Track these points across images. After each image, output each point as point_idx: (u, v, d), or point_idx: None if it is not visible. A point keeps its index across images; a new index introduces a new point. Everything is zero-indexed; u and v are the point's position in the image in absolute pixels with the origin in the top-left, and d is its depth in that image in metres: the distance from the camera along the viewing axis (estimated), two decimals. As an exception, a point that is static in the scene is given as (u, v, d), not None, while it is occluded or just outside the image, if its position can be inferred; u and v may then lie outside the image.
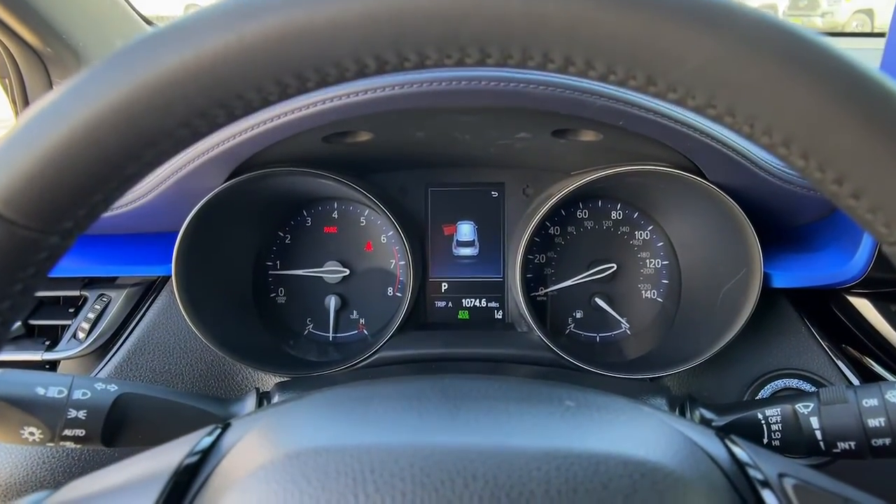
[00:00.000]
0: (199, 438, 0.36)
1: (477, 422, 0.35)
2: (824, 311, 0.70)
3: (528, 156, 0.78)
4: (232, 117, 0.26)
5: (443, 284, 0.84)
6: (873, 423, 0.47)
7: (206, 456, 0.35)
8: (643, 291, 0.82)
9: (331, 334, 0.83)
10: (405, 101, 0.58)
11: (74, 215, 0.27)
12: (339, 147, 0.69)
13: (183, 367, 0.73)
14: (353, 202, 0.83)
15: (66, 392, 0.50)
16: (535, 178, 0.82)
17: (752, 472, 0.33)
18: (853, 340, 0.68)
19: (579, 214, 0.83)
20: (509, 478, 0.30)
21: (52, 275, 0.69)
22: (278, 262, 0.84)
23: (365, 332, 0.84)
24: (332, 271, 0.82)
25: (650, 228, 0.82)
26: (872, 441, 0.47)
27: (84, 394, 0.50)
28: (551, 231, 0.83)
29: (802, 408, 0.51)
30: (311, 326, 0.84)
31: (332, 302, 0.82)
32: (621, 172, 0.68)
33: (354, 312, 0.84)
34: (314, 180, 0.73)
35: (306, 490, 0.30)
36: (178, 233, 0.67)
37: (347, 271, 0.82)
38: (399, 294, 0.84)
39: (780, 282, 0.65)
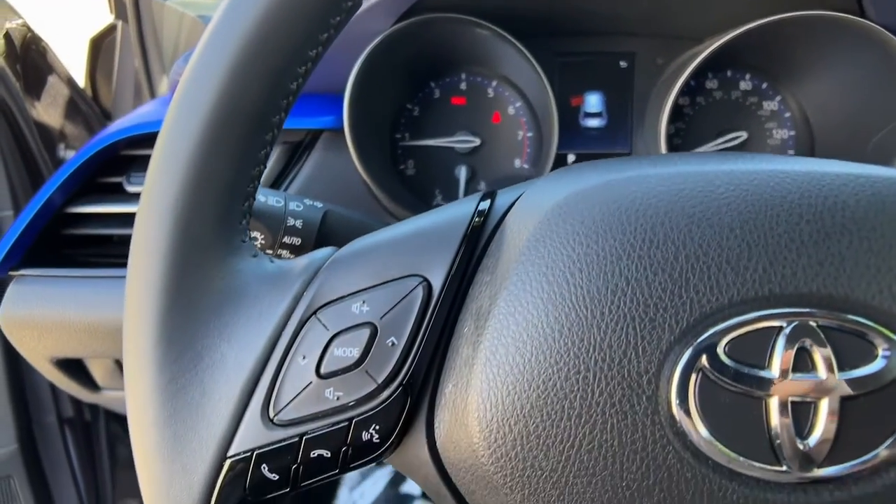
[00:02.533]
0: (475, 201, 0.38)
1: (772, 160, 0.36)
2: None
3: (661, 22, 0.78)
4: None
5: (569, 157, 0.86)
6: None
7: (487, 216, 0.37)
8: (770, 161, 0.83)
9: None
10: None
11: None
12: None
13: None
14: (480, 74, 0.84)
15: (283, 202, 0.52)
16: (668, 47, 0.82)
17: None
18: None
19: (708, 85, 0.83)
20: (821, 191, 0.32)
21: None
22: (407, 133, 0.85)
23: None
24: (463, 140, 0.83)
25: (779, 99, 0.82)
26: None
27: (298, 206, 0.53)
28: (680, 101, 0.84)
29: None
30: (440, 197, 0.86)
31: (462, 172, 0.84)
32: (772, 22, 0.68)
33: (482, 184, 0.86)
34: (473, 37, 0.73)
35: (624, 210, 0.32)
36: (336, 93, 0.68)
37: (478, 140, 0.84)
38: (527, 166, 0.85)
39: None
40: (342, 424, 0.33)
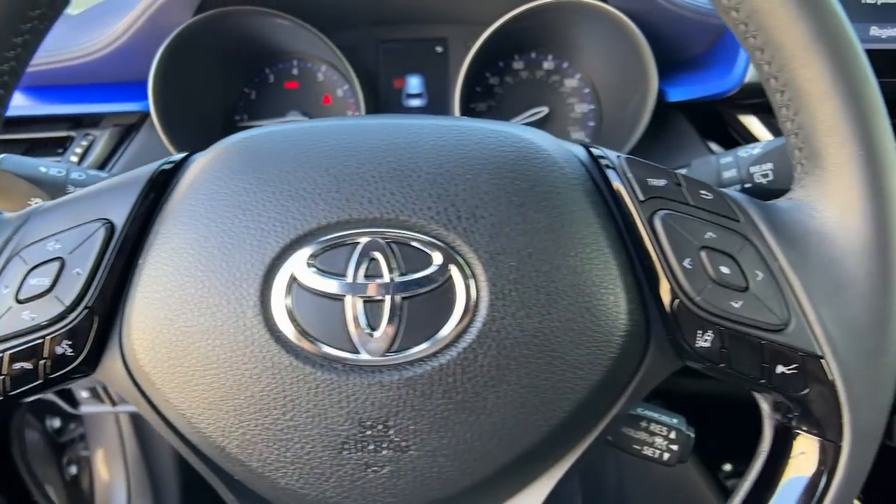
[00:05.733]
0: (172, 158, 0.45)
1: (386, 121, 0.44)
2: (720, 132, 0.81)
3: (464, 9, 0.87)
4: None
5: (395, 133, 0.94)
6: (727, 174, 0.58)
7: (178, 168, 0.44)
8: (572, 133, 0.92)
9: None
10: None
11: None
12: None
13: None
14: (310, 59, 0.92)
15: (64, 172, 0.59)
16: (474, 32, 0.90)
17: (595, 153, 0.44)
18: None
19: (515, 65, 0.92)
20: (403, 137, 0.40)
21: (41, 114, 0.77)
22: (245, 115, 0.93)
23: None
24: (294, 121, 0.91)
25: (578, 77, 0.92)
26: (727, 187, 0.58)
27: (80, 175, 0.60)
28: (491, 81, 0.92)
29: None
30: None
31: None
32: (533, 8, 0.77)
33: (316, 160, 0.93)
34: (277, 30, 0.81)
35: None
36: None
37: (307, 119, 0.92)
38: (356, 142, 0.93)
39: (674, 96, 0.76)
40: (38, 341, 0.40)
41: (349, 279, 0.38)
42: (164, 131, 0.76)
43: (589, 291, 0.39)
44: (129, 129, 0.83)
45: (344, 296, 0.38)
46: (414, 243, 0.38)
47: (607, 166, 0.43)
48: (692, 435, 0.51)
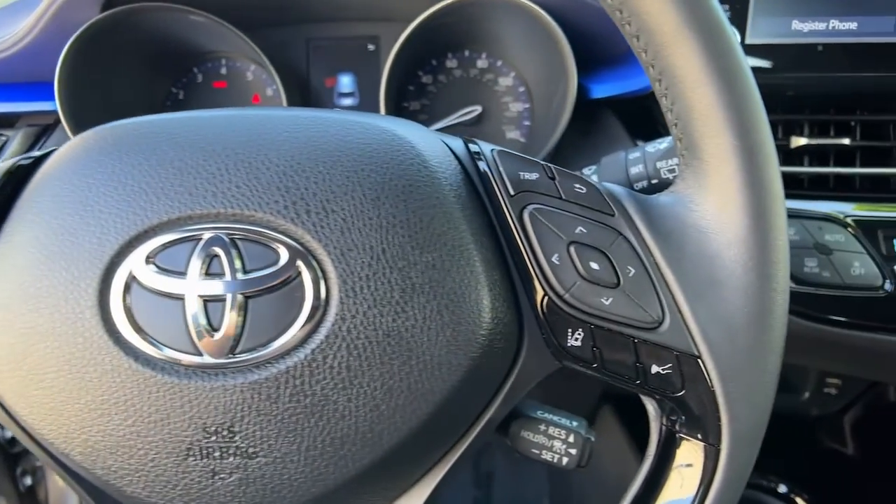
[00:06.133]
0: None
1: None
2: (651, 129, 0.79)
3: (399, 6, 0.85)
4: None
5: (327, 133, 0.92)
6: (634, 170, 0.57)
7: (37, 163, 0.42)
8: (507, 133, 0.91)
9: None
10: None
11: None
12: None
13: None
14: (239, 58, 0.90)
15: None
16: (404, 30, 0.89)
17: (472, 148, 0.42)
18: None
19: (448, 64, 0.90)
20: (246, 130, 0.38)
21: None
22: (173, 116, 0.91)
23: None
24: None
25: (513, 75, 0.90)
26: (633, 185, 0.57)
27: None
28: (424, 80, 0.91)
29: (587, 169, 0.60)
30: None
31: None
32: (448, 7, 0.76)
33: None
34: (195, 28, 0.79)
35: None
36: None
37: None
38: (287, 143, 0.91)
39: (599, 92, 0.74)
40: None
41: (189, 277, 0.36)
42: (73, 131, 0.74)
43: (449, 289, 0.37)
44: (45, 129, 0.81)
45: (184, 295, 0.36)
46: (259, 239, 0.36)
47: (479, 160, 0.41)
48: (592, 438, 0.49)
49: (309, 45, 0.91)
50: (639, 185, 0.57)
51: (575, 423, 0.50)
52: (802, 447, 1.17)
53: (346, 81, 0.91)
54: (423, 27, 0.78)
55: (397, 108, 0.88)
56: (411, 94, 0.91)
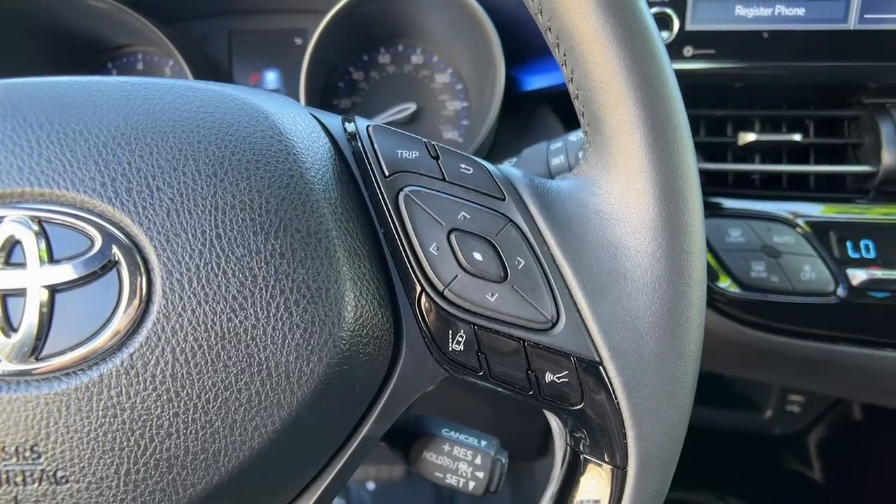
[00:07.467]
0: None
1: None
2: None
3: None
4: None
5: (252, 133, 0.85)
6: (555, 161, 0.51)
7: None
8: (444, 132, 0.85)
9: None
10: None
11: None
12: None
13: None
14: (157, 53, 0.83)
15: None
16: (336, 22, 0.83)
17: (347, 127, 0.36)
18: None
19: (381, 59, 0.85)
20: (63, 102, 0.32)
21: None
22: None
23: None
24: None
25: (449, 72, 0.84)
26: (555, 178, 0.51)
27: None
28: (355, 76, 0.85)
29: (508, 161, 0.54)
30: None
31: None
32: None
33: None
34: (102, 19, 0.73)
35: None
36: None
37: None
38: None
39: (531, 84, 0.69)
40: None
41: None
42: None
43: (300, 282, 0.31)
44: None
45: None
46: (70, 222, 0.30)
47: (351, 137, 0.35)
48: (503, 459, 0.43)
49: (232, 39, 0.85)
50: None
51: (483, 443, 0.43)
52: (765, 468, 1.12)
53: (271, 77, 0.85)
54: (346, 16, 0.72)
55: (326, 106, 0.82)
56: (341, 91, 0.85)
